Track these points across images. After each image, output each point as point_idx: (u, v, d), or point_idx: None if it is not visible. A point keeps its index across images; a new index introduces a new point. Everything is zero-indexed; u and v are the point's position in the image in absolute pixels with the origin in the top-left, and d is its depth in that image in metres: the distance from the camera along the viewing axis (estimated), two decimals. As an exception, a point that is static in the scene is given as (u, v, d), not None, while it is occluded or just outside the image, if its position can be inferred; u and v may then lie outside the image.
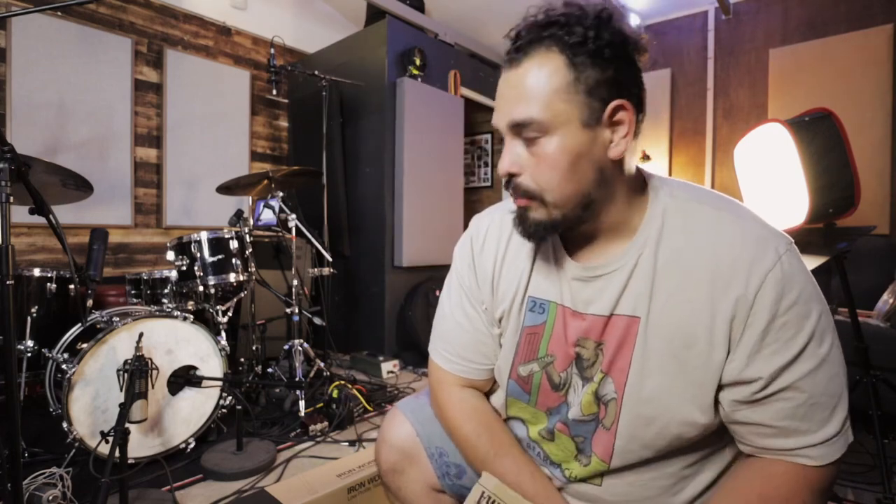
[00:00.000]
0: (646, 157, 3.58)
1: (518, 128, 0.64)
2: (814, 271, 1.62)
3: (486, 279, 0.82)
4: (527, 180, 0.65)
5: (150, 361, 1.47)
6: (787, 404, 0.61)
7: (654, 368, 0.66)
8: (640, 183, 0.71)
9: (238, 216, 2.29)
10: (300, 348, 2.33)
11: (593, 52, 0.61)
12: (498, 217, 0.85)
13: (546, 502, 0.74)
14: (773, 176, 1.78)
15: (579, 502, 0.77)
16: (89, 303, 1.75)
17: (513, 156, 0.65)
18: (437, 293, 3.35)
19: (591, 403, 0.72)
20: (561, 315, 0.75)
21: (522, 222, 0.68)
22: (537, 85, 0.62)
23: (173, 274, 2.16)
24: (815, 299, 0.62)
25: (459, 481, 0.85)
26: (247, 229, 2.24)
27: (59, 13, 2.77)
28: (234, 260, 2.15)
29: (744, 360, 0.62)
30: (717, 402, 0.65)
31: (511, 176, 0.66)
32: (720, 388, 0.65)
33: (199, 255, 2.10)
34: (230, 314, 2.24)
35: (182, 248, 2.12)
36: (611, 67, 0.61)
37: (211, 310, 2.18)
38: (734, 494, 0.66)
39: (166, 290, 2.20)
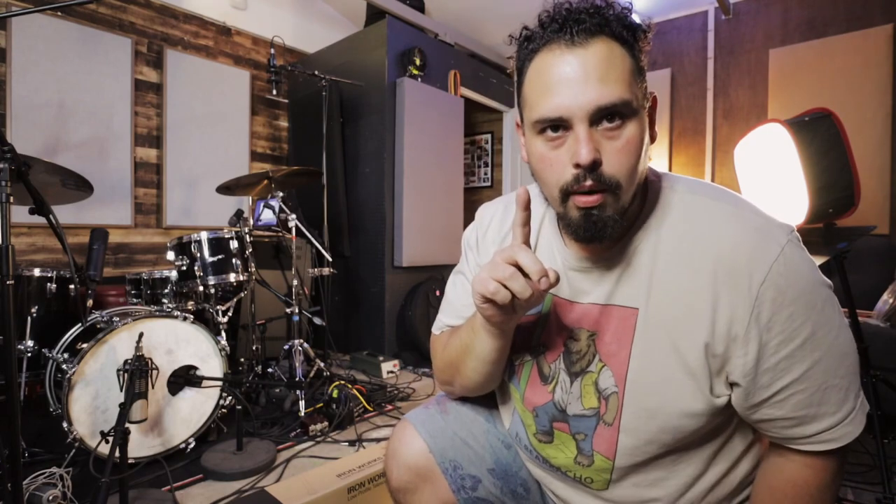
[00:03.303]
0: (646, 157, 3.59)
1: (603, 112, 0.59)
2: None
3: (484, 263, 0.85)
4: (608, 169, 0.60)
5: (150, 361, 1.47)
6: (803, 395, 0.62)
7: (655, 360, 0.65)
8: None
9: (238, 216, 2.30)
10: (300, 348, 2.33)
11: (640, 44, 0.62)
12: (501, 208, 0.87)
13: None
14: (773, 176, 1.78)
15: None
16: (89, 303, 1.75)
17: (594, 143, 0.59)
18: (438, 293, 3.36)
19: (592, 396, 0.71)
20: (556, 306, 0.75)
21: (595, 222, 0.62)
22: (619, 66, 0.59)
23: (173, 274, 2.16)
24: (820, 285, 0.62)
25: (475, 493, 0.83)
26: (247, 229, 2.24)
27: (59, 13, 2.77)
28: (234, 260, 2.15)
29: (754, 354, 0.61)
30: (717, 394, 0.65)
31: (594, 165, 0.59)
32: (731, 385, 0.64)
33: (199, 255, 2.10)
34: (230, 314, 2.24)
35: (182, 248, 2.12)
36: (643, 57, 0.63)
37: (211, 310, 2.18)
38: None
39: (166, 290, 2.20)
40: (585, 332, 0.71)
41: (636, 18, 0.63)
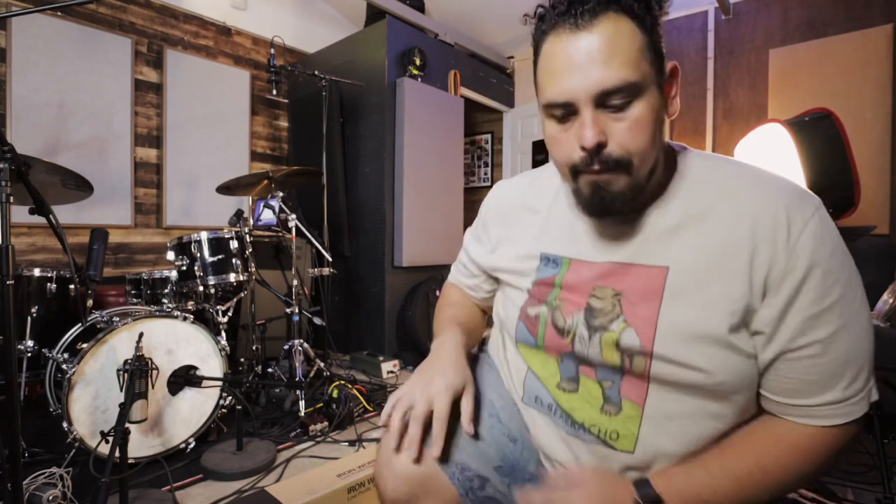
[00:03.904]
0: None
1: (608, 95, 0.60)
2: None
3: (496, 236, 0.89)
4: (615, 149, 0.61)
5: (150, 361, 1.47)
6: (818, 360, 0.61)
7: (685, 319, 0.64)
8: (670, 149, 0.73)
9: (238, 216, 2.30)
10: (300, 348, 2.33)
11: (653, 16, 0.62)
12: (517, 182, 0.91)
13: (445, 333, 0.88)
14: (773, 176, 1.78)
15: (607, 467, 0.72)
16: (89, 303, 1.75)
17: (599, 124, 0.61)
18: (437, 293, 3.36)
19: (613, 353, 0.69)
20: (575, 267, 0.75)
21: (602, 198, 0.64)
22: (624, 46, 0.59)
23: (173, 274, 2.16)
24: (848, 256, 0.63)
25: (483, 493, 0.77)
26: (247, 229, 2.24)
27: (59, 13, 2.77)
28: (234, 260, 2.15)
29: (780, 306, 0.61)
30: (745, 349, 0.64)
31: (599, 147, 0.61)
32: (753, 334, 0.64)
33: (199, 255, 2.10)
34: (230, 314, 2.24)
35: (182, 248, 2.12)
36: (658, 28, 0.63)
37: (211, 310, 2.18)
38: (748, 446, 0.65)
39: (166, 290, 2.20)
40: (610, 291, 0.71)
41: None
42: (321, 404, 2.16)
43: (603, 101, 0.60)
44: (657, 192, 0.69)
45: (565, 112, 0.63)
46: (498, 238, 0.88)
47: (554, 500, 0.66)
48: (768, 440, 0.65)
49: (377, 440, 1.94)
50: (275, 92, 2.73)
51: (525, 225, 0.84)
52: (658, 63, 0.62)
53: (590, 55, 0.59)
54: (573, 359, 0.75)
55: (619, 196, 0.64)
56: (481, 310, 1.01)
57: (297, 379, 2.24)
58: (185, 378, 1.76)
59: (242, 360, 2.50)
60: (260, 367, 2.51)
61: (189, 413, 1.78)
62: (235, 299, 2.32)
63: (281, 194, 2.40)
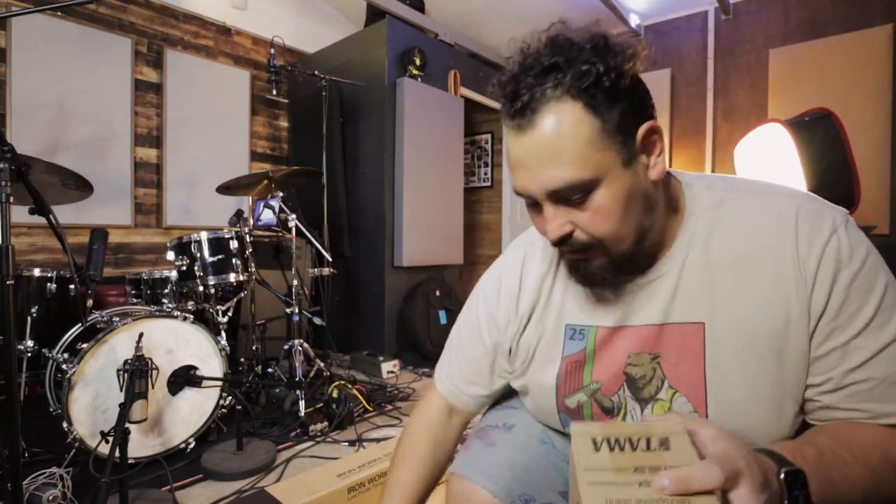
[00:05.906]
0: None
1: (558, 194, 0.57)
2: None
3: (523, 316, 0.77)
4: (581, 235, 0.60)
5: (150, 361, 1.47)
6: (862, 386, 0.56)
7: (736, 377, 0.60)
8: (673, 185, 0.67)
9: (238, 216, 2.30)
10: (300, 348, 2.33)
11: (608, 89, 0.54)
12: (538, 253, 0.79)
13: None
14: (772, 176, 1.78)
15: None
16: (89, 303, 1.75)
17: (559, 220, 0.59)
18: (438, 293, 3.36)
19: None
20: (603, 337, 0.69)
21: (585, 275, 0.64)
22: (566, 144, 0.54)
23: (173, 274, 2.16)
24: (881, 270, 0.57)
25: None
26: (247, 229, 2.24)
27: (59, 13, 2.77)
28: (234, 260, 2.15)
29: (817, 345, 0.58)
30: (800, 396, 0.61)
31: (564, 240, 0.60)
32: (808, 386, 0.60)
33: (199, 255, 2.10)
34: (230, 314, 2.24)
35: (182, 248, 2.12)
36: (626, 95, 0.56)
37: (211, 310, 2.18)
38: (870, 440, 0.57)
39: (166, 290, 2.20)
40: (647, 356, 0.66)
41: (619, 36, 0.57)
42: (321, 404, 2.16)
43: (558, 197, 0.58)
44: (667, 244, 0.65)
45: (531, 201, 0.62)
46: (531, 313, 0.77)
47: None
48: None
49: (377, 440, 1.94)
50: (275, 92, 2.73)
51: (553, 292, 0.76)
52: (622, 141, 0.56)
53: (533, 157, 0.57)
54: None
55: (600, 270, 0.62)
56: (448, 457, 0.86)
57: (297, 379, 2.24)
58: (185, 378, 1.76)
59: (242, 360, 2.50)
60: (260, 367, 2.51)
61: (189, 413, 1.78)
62: (235, 299, 2.32)
63: (281, 194, 2.40)
